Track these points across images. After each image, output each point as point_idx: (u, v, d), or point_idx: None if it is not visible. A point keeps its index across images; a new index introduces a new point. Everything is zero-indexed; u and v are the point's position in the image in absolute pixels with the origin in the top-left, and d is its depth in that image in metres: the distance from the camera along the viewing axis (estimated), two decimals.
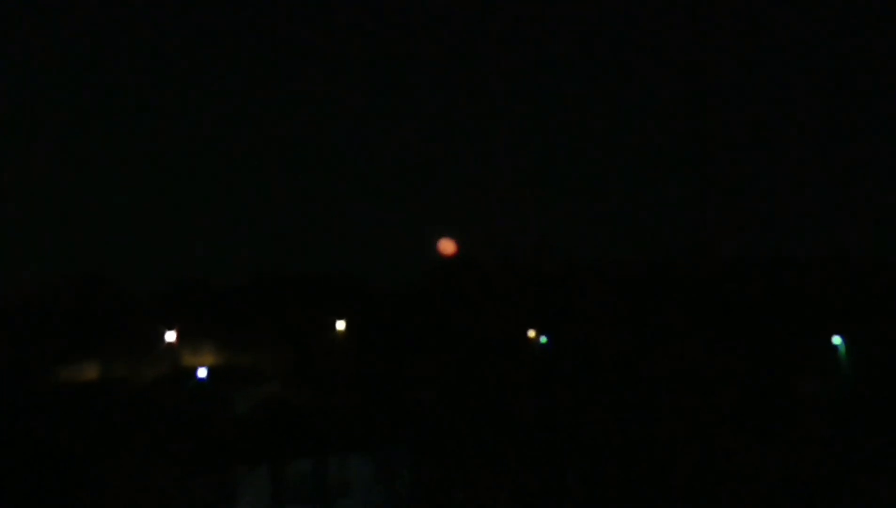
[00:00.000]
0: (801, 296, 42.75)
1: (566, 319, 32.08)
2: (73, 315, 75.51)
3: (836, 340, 45.13)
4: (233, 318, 79.28)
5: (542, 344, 34.54)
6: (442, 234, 45.58)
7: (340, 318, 71.31)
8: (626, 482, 23.11)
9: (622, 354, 26.66)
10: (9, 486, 31.39)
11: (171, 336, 74.78)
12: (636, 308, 31.28)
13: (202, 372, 66.74)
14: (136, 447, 35.34)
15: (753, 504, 23.66)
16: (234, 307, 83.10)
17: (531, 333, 34.42)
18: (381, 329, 55.62)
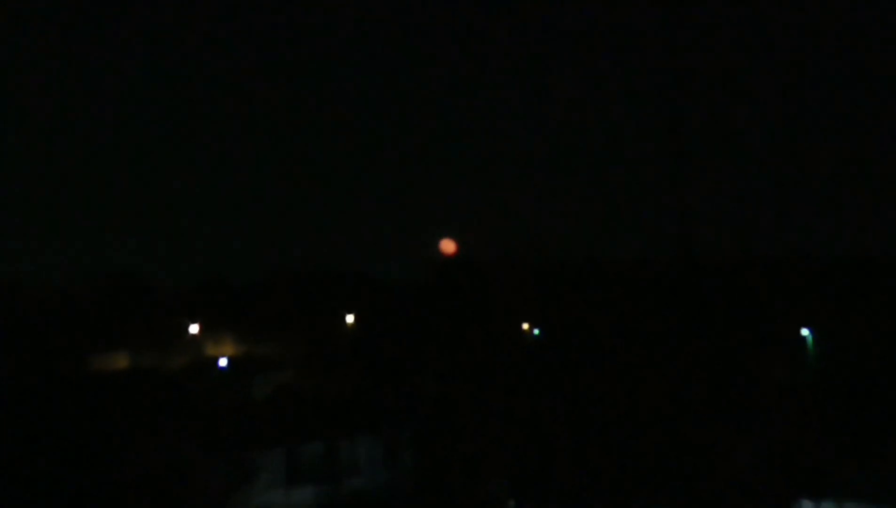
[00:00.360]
0: (773, 291, 42.76)
1: (557, 313, 31.81)
2: (103, 310, 75.49)
3: (805, 332, 45.23)
4: (250, 312, 79.25)
5: (536, 336, 34.34)
6: (443, 234, 45.38)
7: (350, 311, 71.28)
8: (610, 462, 22.79)
9: (610, 345, 26.36)
10: (49, 464, 31.28)
11: (194, 329, 74.79)
12: (622, 303, 31.01)
13: (223, 362, 66.72)
14: (162, 430, 35.24)
15: (729, 481, 23.40)
16: (252, 303, 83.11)
17: (525, 326, 34.17)
18: (386, 322, 55.47)
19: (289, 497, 37.19)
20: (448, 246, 38.98)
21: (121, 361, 64.41)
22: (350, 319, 70.65)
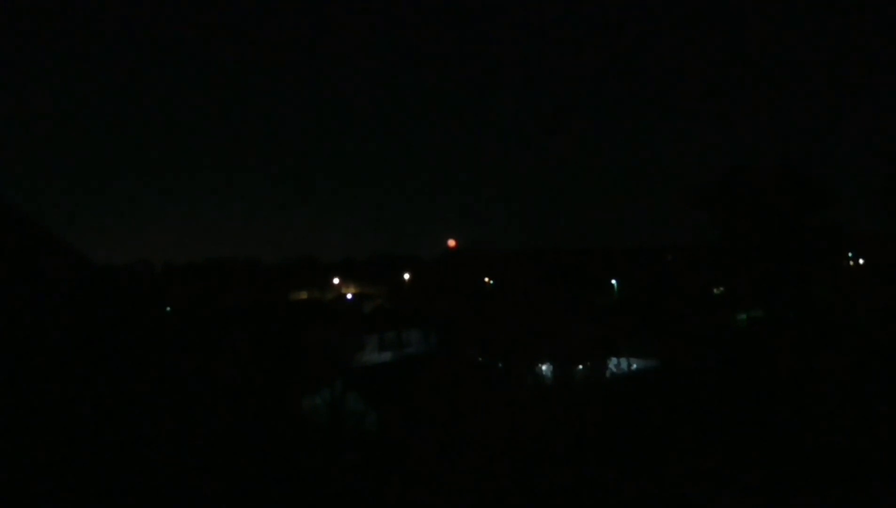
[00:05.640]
0: (598, 263, 43.23)
1: (503, 273, 32.06)
2: (294, 271, 76.53)
3: (614, 282, 45.83)
4: (361, 272, 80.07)
5: (492, 284, 34.39)
6: (450, 235, 45.88)
7: (406, 273, 72.05)
8: (521, 336, 22.78)
9: (525, 287, 26.77)
10: (269, 343, 31.30)
11: (336, 281, 75.66)
12: (533, 268, 31.17)
13: (349, 296, 67.61)
14: (323, 325, 35.67)
15: (578, 347, 23.43)
16: (362, 268, 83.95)
17: (487, 279, 34.31)
18: (423, 279, 56.15)
19: (379, 357, 37.86)
20: (451, 243, 39.31)
21: (303, 295, 65.45)
22: (406, 276, 71.37)
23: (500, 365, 22.48)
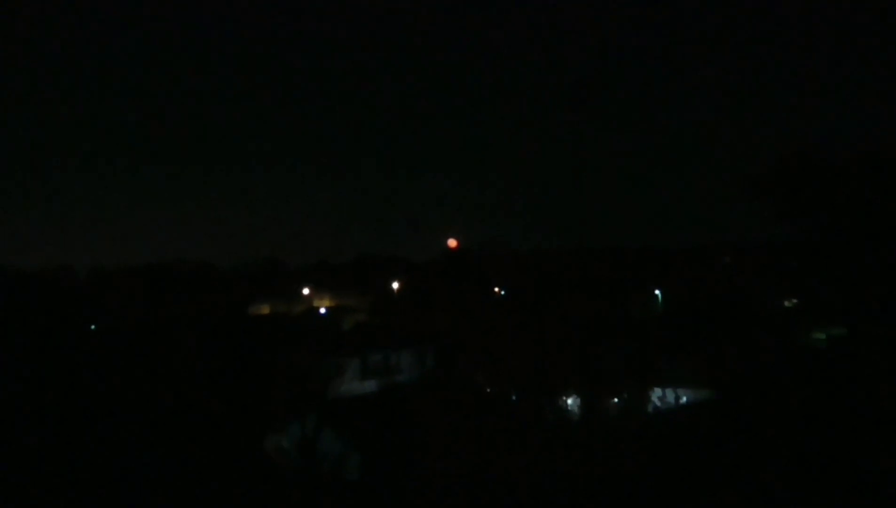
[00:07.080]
0: (640, 269, 43.10)
1: (515, 281, 31.95)
2: (260, 279, 76.39)
3: (657, 291, 45.54)
4: (340, 280, 79.90)
5: (503, 294, 34.52)
6: (451, 234, 45.78)
7: (395, 280, 71.83)
8: (538, 360, 22.69)
9: (543, 298, 26.55)
10: (230, 360, 31.31)
11: (307, 291, 75.51)
12: (551, 274, 31.06)
13: (322, 310, 67.40)
14: (291, 345, 35.49)
15: (607, 375, 23.18)
16: (341, 274, 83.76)
17: (496, 289, 34.32)
18: (417, 287, 55.99)
19: (362, 386, 37.53)
20: (452, 242, 39.04)
21: (264, 309, 65.14)
22: (395, 285, 71.17)
23: (513, 397, 22.40)
